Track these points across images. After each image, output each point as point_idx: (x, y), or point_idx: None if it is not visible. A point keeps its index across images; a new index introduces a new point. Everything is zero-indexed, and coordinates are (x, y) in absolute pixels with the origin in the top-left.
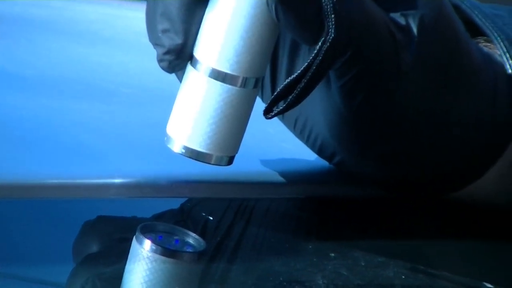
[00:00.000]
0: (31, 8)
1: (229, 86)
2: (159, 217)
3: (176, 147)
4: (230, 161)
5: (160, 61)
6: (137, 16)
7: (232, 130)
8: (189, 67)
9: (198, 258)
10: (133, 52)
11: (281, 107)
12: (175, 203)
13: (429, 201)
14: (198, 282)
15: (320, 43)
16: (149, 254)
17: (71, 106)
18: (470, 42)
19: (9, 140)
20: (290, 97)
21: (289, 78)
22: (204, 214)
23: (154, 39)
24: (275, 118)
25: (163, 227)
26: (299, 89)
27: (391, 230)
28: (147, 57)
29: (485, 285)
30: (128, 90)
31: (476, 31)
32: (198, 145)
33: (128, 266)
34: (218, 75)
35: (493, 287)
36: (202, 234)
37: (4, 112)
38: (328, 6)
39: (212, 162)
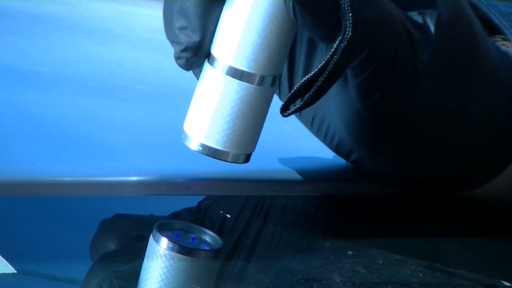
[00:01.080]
0: (45, 6)
1: (246, 84)
2: (176, 215)
3: (193, 144)
4: (247, 159)
5: (177, 58)
6: (151, 14)
7: (249, 128)
8: (206, 65)
9: (215, 256)
10: (147, 49)
11: (298, 105)
12: (192, 201)
13: (445, 199)
14: (215, 280)
15: (337, 42)
16: (166, 252)
17: (86, 103)
18: (487, 40)
19: (25, 138)
20: (307, 95)
21: (306, 76)
22: (221, 212)
23: (171, 37)
24: (292, 116)
25: (180, 225)
26: (316, 87)
27: (408, 228)
28: (161, 54)
29: (502, 283)
30: (143, 87)
31: (493, 29)
32: (215, 143)
33: (145, 264)
34: (235, 73)
35: (510, 285)
36: (219, 232)
37: (20, 109)
38: (346, 5)
39: (229, 160)
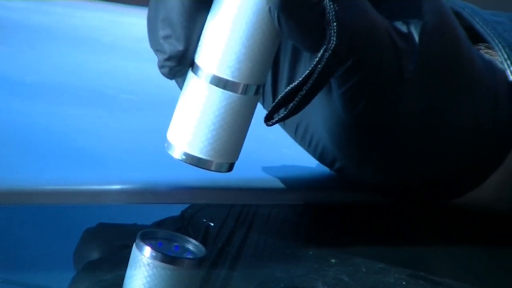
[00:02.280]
0: (32, 15)
1: (230, 93)
2: (159, 223)
3: (177, 153)
4: (230, 167)
5: (161, 67)
6: (138, 23)
7: (233, 136)
8: (190, 74)
9: (198, 265)
10: (134, 58)
11: (282, 115)
12: (175, 210)
13: (429, 207)
14: None
15: (322, 51)
16: (149, 261)
17: (72, 112)
18: (472, 49)
19: (9, 146)
20: (291, 104)
21: (290, 85)
22: (205, 220)
23: (155, 45)
24: (276, 124)
25: (163, 233)
26: (300, 97)
27: (391, 236)
28: (147, 63)
29: None
30: (129, 96)
31: (477, 37)
32: (198, 152)
33: (128, 273)
34: (219, 82)
35: None
36: (203, 241)
37: (5, 118)
38: (330, 14)
39: (213, 169)
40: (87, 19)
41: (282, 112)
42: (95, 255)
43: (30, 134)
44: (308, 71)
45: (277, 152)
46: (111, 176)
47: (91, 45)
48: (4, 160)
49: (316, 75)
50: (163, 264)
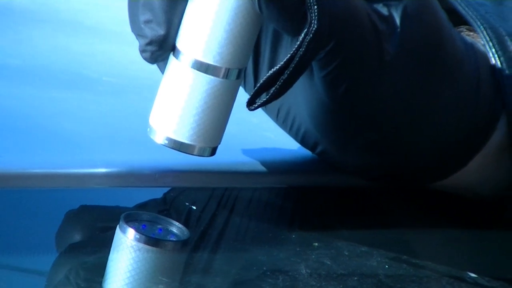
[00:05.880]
0: None
1: (212, 77)
2: (142, 206)
3: (159, 138)
4: (213, 152)
5: (142, 51)
6: (120, 6)
7: (215, 121)
8: (171, 58)
9: (181, 247)
10: (116, 41)
11: (264, 99)
12: (158, 193)
13: (412, 190)
14: (181, 271)
15: (303, 34)
16: (133, 243)
17: (54, 95)
18: (453, 31)
19: None
20: (273, 88)
21: (272, 69)
22: (187, 203)
23: (137, 30)
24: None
25: (147, 216)
26: (282, 81)
27: (374, 219)
28: (130, 47)
29: (468, 274)
30: (111, 79)
31: (458, 20)
32: (181, 137)
33: (111, 255)
34: (200, 66)
35: (477, 276)
36: (185, 224)
37: None
38: None
39: (195, 153)
40: (70, 2)
41: (264, 97)
42: (77, 237)
43: (12, 117)
44: (289, 55)
45: (259, 135)
46: (93, 159)
47: (74, 28)
48: None
49: (297, 58)
50: (147, 247)
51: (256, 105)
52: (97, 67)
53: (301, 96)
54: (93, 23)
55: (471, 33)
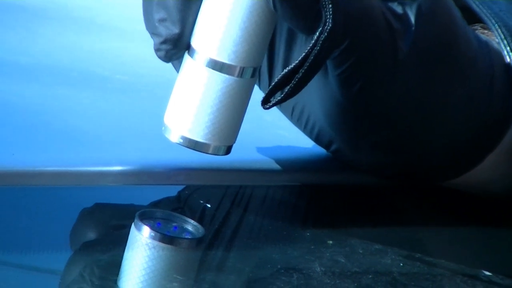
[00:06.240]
0: None
1: (227, 76)
2: (156, 204)
3: (174, 137)
4: (227, 150)
5: (157, 50)
6: (132, 3)
7: (230, 120)
8: (186, 57)
9: (196, 245)
10: (128, 39)
11: (278, 98)
12: (172, 191)
13: (426, 188)
14: (196, 269)
15: (317, 33)
16: (148, 241)
17: (66, 93)
18: (468, 29)
19: (5, 127)
20: (288, 87)
21: (287, 68)
22: (201, 201)
23: (151, 29)
24: None
25: (162, 214)
26: (296, 79)
27: (388, 217)
28: (141, 44)
29: (483, 272)
30: (123, 77)
31: (473, 17)
32: (195, 135)
33: (126, 253)
34: (215, 65)
35: (491, 274)
36: (199, 222)
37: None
38: None
39: (210, 152)
40: (81, 0)
41: (278, 95)
42: (92, 235)
43: (26, 115)
44: (304, 54)
45: (274, 133)
46: (108, 158)
47: (85, 25)
48: (0, 142)
49: (312, 57)
50: (162, 244)
51: (271, 104)
52: (108, 65)
53: (316, 94)
54: (104, 20)
55: (486, 31)
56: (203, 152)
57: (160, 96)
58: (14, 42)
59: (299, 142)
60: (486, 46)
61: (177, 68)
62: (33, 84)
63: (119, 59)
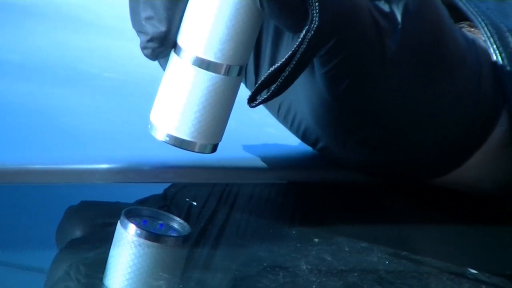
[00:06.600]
0: None
1: (213, 74)
2: (142, 202)
3: (160, 135)
4: (213, 148)
5: (143, 48)
6: (120, 1)
7: (216, 117)
8: (172, 55)
9: (182, 243)
10: (116, 36)
11: (265, 96)
12: (158, 189)
13: (413, 186)
14: (182, 267)
15: (304, 31)
16: (134, 239)
17: (54, 91)
18: (455, 28)
19: None
20: (274, 85)
21: (273, 67)
22: (187, 199)
23: (138, 27)
24: None
25: (148, 211)
26: (283, 78)
27: (374, 215)
28: (130, 42)
29: (469, 270)
30: (111, 75)
31: (459, 16)
32: (182, 134)
33: (112, 251)
34: (202, 63)
35: (477, 272)
36: (186, 220)
37: None
38: None
39: (196, 150)
40: None
41: (265, 94)
42: (78, 233)
43: (11, 113)
44: (290, 52)
45: (260, 131)
46: (94, 155)
47: (73, 23)
48: None
49: (298, 55)
50: (148, 242)
51: (257, 102)
52: (97, 62)
53: (302, 92)
54: (94, 18)
55: (472, 29)
56: (189, 150)
57: (148, 94)
58: (1, 40)
59: (286, 140)
60: (473, 44)
61: (164, 66)
62: (21, 82)
63: (107, 57)
